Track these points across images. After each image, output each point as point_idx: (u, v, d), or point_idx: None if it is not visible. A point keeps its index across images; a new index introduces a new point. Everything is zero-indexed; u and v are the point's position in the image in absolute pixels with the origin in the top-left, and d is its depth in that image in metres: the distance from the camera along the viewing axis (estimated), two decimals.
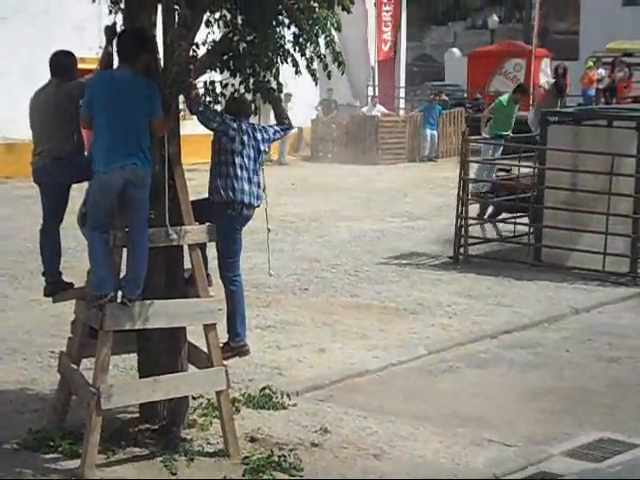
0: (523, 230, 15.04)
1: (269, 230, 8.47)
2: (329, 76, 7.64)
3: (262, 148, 8.10)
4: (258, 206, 8.16)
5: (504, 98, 19.37)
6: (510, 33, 51.88)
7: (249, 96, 7.79)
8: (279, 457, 7.24)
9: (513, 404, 8.96)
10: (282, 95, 8.02)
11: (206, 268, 7.63)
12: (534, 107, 20.41)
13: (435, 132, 28.33)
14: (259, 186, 8.14)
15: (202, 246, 7.65)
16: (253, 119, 8.19)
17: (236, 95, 7.92)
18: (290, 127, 8.48)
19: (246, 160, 7.96)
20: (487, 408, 8.80)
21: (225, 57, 7.53)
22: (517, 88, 20.09)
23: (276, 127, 8.26)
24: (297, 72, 7.62)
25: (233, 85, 7.84)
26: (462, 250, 14.53)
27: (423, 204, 19.79)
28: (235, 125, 7.92)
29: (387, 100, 30.49)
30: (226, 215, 7.93)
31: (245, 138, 7.95)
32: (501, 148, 19.03)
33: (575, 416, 8.68)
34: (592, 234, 13.53)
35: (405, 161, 27.43)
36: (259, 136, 8.05)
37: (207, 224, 7.54)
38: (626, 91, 31.06)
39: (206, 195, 8.08)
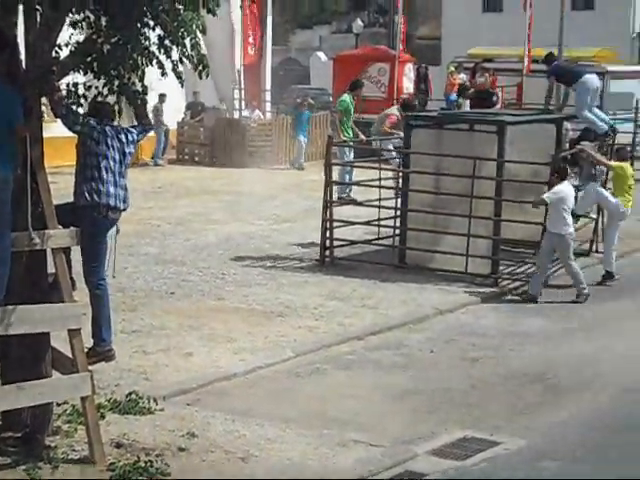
0: (388, 232, 15.20)
1: (118, 231, 8.33)
2: (200, 76, 7.63)
3: (127, 150, 8.05)
4: (124, 209, 8.09)
5: (347, 98, 19.48)
6: (374, 38, 52.39)
7: (113, 98, 7.72)
8: (146, 462, 7.20)
9: (380, 405, 9.06)
10: (158, 96, 8.02)
11: (70, 272, 7.53)
12: (379, 116, 20.14)
13: (306, 138, 28.13)
14: (125, 189, 8.08)
15: (66, 250, 7.54)
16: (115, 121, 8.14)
17: (99, 98, 7.84)
18: (151, 128, 8.57)
19: (111, 163, 7.90)
20: (354, 409, 8.88)
21: (89, 59, 7.44)
22: (353, 85, 20.12)
23: (139, 128, 8.24)
24: (163, 74, 7.59)
25: (97, 87, 7.75)
26: (328, 252, 14.63)
27: (291, 207, 19.84)
28: (99, 128, 7.86)
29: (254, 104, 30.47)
30: (92, 219, 7.84)
31: (109, 141, 7.89)
32: (353, 151, 19.25)
33: (439, 415, 8.84)
34: (455, 236, 13.78)
35: (274, 164, 27.41)
36: (124, 138, 8.01)
37: (71, 228, 7.43)
38: None
39: (70, 199, 7.97)
